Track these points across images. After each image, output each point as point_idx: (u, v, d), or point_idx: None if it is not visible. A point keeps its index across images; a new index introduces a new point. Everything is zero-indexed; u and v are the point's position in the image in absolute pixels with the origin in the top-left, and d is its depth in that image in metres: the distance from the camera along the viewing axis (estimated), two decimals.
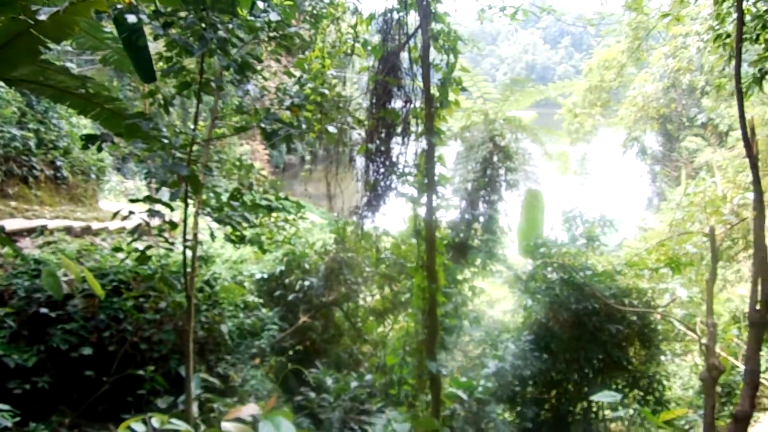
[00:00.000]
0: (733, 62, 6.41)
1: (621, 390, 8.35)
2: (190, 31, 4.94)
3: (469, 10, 8.26)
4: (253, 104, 6.61)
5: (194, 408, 5.44)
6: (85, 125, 12.08)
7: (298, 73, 6.46)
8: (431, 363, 5.19)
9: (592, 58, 19.05)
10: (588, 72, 18.67)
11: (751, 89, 6.74)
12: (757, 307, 6.33)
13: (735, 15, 6.46)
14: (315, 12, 7.63)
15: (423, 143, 5.86)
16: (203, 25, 4.85)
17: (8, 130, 9.84)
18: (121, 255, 6.98)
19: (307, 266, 9.42)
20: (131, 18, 4.53)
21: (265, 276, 9.45)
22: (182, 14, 5.02)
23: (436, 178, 5.74)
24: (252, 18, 5.30)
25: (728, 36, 7.15)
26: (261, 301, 8.65)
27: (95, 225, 9.62)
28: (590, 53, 19.87)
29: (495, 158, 12.58)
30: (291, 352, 8.15)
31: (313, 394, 6.73)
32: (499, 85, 13.72)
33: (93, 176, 12.44)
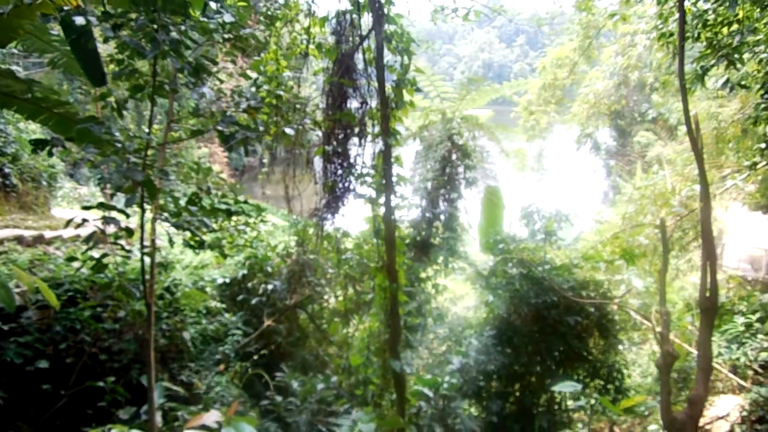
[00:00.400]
0: (678, 60, 6.70)
1: (582, 380, 8.59)
2: (142, 33, 4.85)
3: (423, 10, 8.37)
4: (209, 107, 6.53)
5: (158, 418, 5.35)
6: (35, 130, 11.71)
7: (254, 75, 6.42)
8: (395, 362, 5.25)
9: (546, 56, 19.45)
10: (542, 70, 19.07)
11: (694, 85, 7.02)
12: (707, 294, 6.64)
13: (677, 15, 6.74)
14: (270, 13, 7.58)
15: (380, 144, 5.92)
16: (155, 26, 4.76)
17: None
18: (76, 264, 6.82)
19: (269, 269, 9.34)
20: (79, 20, 4.41)
21: (228, 281, 9.34)
22: (133, 16, 4.93)
23: (393, 178, 5.80)
24: (205, 19, 5.24)
25: (672, 35, 7.43)
26: (224, 306, 8.55)
27: (48, 233, 9.30)
28: (544, 52, 20.28)
29: (453, 156, 12.74)
30: (256, 357, 8.08)
31: (279, 398, 6.70)
32: (455, 84, 13.89)
33: (44, 183, 12.03)
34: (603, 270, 9.44)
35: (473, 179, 12.75)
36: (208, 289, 8.89)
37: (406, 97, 5.91)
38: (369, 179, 6.03)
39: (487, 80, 15.20)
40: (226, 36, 5.85)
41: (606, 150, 28.34)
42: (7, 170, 10.74)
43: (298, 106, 7.15)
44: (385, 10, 5.75)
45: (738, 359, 9.63)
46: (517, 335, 8.43)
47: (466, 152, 12.81)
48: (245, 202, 7.09)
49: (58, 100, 4.97)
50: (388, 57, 5.98)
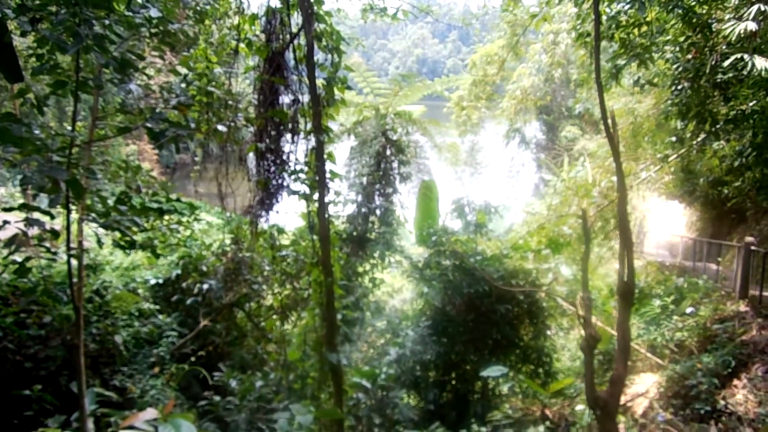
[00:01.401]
0: (594, 58, 7.10)
1: (514, 365, 8.96)
2: (63, 27, 4.70)
3: (355, 7, 8.50)
4: (137, 103, 6.39)
5: (90, 425, 5.24)
6: None
7: (183, 71, 6.34)
8: (331, 355, 5.34)
9: (476, 53, 19.93)
10: (472, 66, 19.54)
11: (609, 83, 7.46)
12: (625, 279, 7.09)
13: (594, 16, 7.14)
14: (199, 8, 7.47)
15: (313, 141, 5.99)
16: (77, 20, 4.63)
17: None
18: None
19: (204, 268, 9.21)
20: None
21: (161, 281, 9.14)
22: (53, 9, 4.76)
23: (327, 174, 5.88)
24: (131, 14, 5.13)
25: (588, 35, 7.86)
26: (157, 307, 8.38)
27: None
28: (475, 48, 20.77)
29: (388, 152, 12.93)
30: (193, 358, 7.96)
31: (217, 398, 6.64)
32: (388, 80, 14.09)
33: None
34: (531, 259, 9.87)
35: (408, 174, 12.99)
36: (140, 291, 8.68)
37: (337, 94, 6.01)
38: (302, 176, 6.09)
39: (421, 76, 15.47)
40: (153, 31, 5.75)
41: (536, 144, 29.41)
42: None
43: (230, 102, 7.10)
44: (315, 9, 5.81)
45: (655, 339, 10.27)
46: (451, 325, 8.70)
47: (400, 147, 13.02)
48: (177, 200, 6.98)
49: None
50: (318, 55, 6.05)
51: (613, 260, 14.59)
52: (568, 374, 10.42)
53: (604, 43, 7.56)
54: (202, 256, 9.44)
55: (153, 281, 9.14)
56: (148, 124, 5.68)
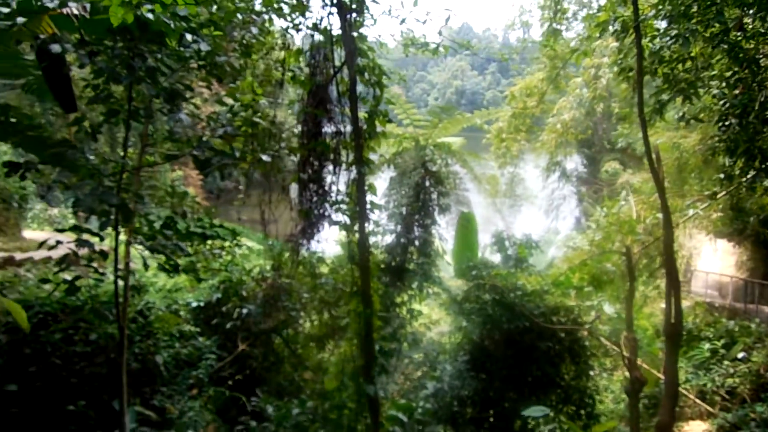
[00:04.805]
0: (637, 93, 7.03)
1: (554, 406, 8.69)
2: (118, 60, 4.93)
3: (396, 40, 8.68)
4: (185, 132, 6.60)
5: None
6: (6, 152, 11.55)
7: (230, 102, 6.54)
8: (369, 386, 5.31)
9: (515, 86, 19.93)
10: (511, 99, 19.54)
11: (652, 118, 7.34)
12: (672, 320, 6.86)
13: (636, 51, 7.09)
14: (245, 41, 7.74)
15: (354, 172, 6.07)
16: (131, 54, 4.85)
17: None
18: (48, 286, 6.75)
19: (244, 293, 9.32)
20: (55, 48, 4.47)
21: (202, 304, 9.28)
22: (109, 43, 5.01)
23: (367, 206, 5.93)
24: (181, 48, 5.34)
25: (631, 69, 7.78)
26: (198, 329, 8.48)
27: (19, 255, 9.19)
28: (514, 81, 20.74)
29: (427, 183, 12.94)
30: (230, 382, 8.01)
31: (254, 423, 6.66)
32: (428, 112, 14.20)
33: (15, 204, 11.87)
34: (573, 296, 9.66)
35: (446, 205, 12.96)
36: (182, 313, 8.82)
37: (379, 127, 6.10)
38: (344, 206, 6.16)
39: (460, 108, 15.54)
40: (200, 63, 5.96)
41: (576, 177, 28.98)
42: None
43: (273, 132, 7.26)
44: (358, 44, 5.95)
45: (705, 385, 9.86)
46: (490, 360, 8.53)
47: (440, 179, 13.03)
48: (221, 226, 7.15)
49: (30, 124, 4.99)
50: (360, 88, 6.18)
51: (659, 300, 14.14)
52: (611, 417, 10.07)
53: (646, 78, 7.47)
54: (242, 281, 9.56)
55: (194, 304, 9.29)
56: (195, 152, 5.88)
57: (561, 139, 20.79)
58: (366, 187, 5.98)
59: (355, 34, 6.03)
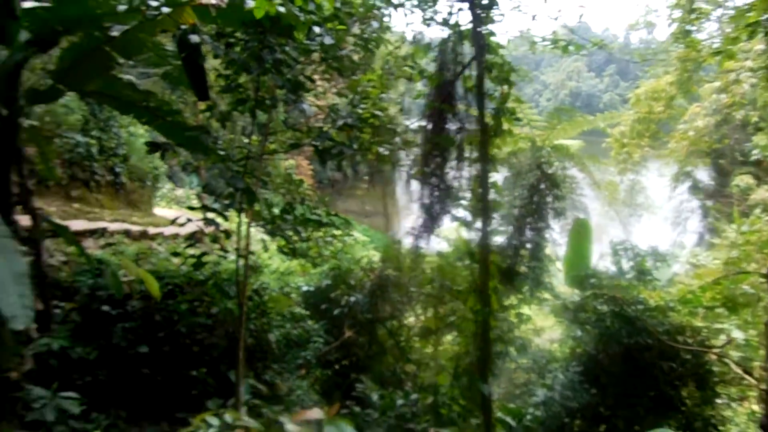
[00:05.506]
0: None
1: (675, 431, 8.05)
2: (248, 52, 5.12)
3: (516, 39, 8.37)
4: (306, 122, 6.77)
5: (243, 412, 5.49)
6: (143, 134, 12.50)
7: (350, 95, 6.62)
8: (484, 385, 5.15)
9: (639, 87, 18.76)
10: (635, 102, 18.38)
11: None
12: None
13: None
14: (365, 36, 7.82)
15: (476, 169, 5.92)
16: (261, 46, 5.02)
17: (73, 137, 10.28)
18: (177, 260, 7.19)
19: (352, 282, 9.46)
20: (194, 38, 4.71)
21: (312, 289, 9.54)
22: (239, 35, 5.22)
23: (490, 203, 5.77)
24: (308, 42, 5.45)
25: None
26: (307, 313, 8.71)
27: (151, 230, 9.90)
28: (636, 83, 19.51)
29: (542, 185, 12.47)
30: (336, 366, 8.16)
31: (357, 409, 6.72)
32: (545, 112, 13.70)
33: (148, 183, 12.86)
34: (701, 316, 8.87)
35: (561, 209, 12.44)
36: (293, 296, 9.09)
37: (505, 125, 5.92)
38: (465, 202, 6.03)
39: (577, 110, 14.87)
40: (323, 56, 6.06)
41: (705, 189, 26.76)
42: (118, 169, 11.54)
43: (389, 126, 7.28)
44: (487, 41, 5.80)
45: None
46: (604, 374, 8.04)
47: (555, 182, 12.52)
48: (335, 214, 7.28)
49: (170, 109, 5.32)
50: (487, 85, 6.04)
51: None
52: None
53: None
54: (350, 270, 9.70)
55: (305, 288, 9.57)
56: (315, 143, 6.01)
57: (692, 147, 19.27)
58: (490, 185, 5.82)
59: (484, 29, 5.89)
